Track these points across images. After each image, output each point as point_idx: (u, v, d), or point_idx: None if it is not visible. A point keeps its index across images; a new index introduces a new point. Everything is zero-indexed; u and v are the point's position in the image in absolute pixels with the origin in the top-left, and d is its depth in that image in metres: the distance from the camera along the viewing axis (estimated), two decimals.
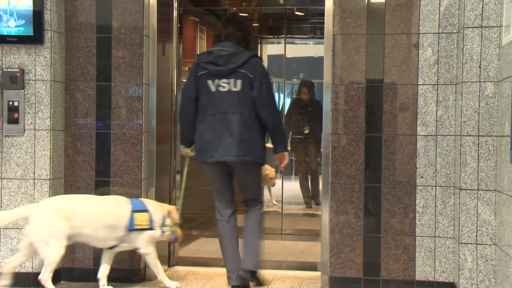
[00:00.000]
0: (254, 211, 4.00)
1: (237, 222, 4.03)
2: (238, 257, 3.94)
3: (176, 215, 4.02)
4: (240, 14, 7.10)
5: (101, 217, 3.78)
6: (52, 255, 3.66)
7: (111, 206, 3.84)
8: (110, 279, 4.16)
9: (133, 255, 4.18)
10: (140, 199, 4.02)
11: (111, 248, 3.89)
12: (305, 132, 6.91)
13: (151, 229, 3.89)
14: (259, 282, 4.14)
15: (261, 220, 4.03)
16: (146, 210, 3.89)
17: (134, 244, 3.88)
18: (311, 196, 7.23)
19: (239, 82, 3.78)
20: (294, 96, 7.36)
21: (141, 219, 3.85)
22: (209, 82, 3.82)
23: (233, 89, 3.79)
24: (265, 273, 4.49)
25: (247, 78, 3.78)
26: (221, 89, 3.80)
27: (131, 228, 3.82)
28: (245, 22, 4.09)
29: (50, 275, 3.69)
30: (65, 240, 3.69)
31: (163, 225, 3.93)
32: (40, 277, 3.69)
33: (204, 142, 3.83)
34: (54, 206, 3.72)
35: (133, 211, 3.84)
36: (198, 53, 6.35)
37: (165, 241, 4.10)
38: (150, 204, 3.97)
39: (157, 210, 3.94)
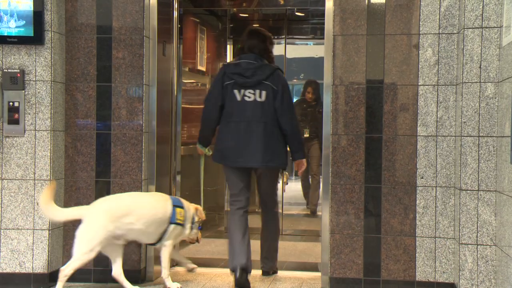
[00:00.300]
0: (272, 216, 4.40)
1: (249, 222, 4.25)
2: (246, 245, 4.08)
3: (202, 213, 4.20)
4: (241, 14, 7.12)
5: (151, 211, 3.91)
6: (82, 255, 3.72)
7: (157, 201, 3.99)
8: (110, 279, 4.17)
9: (133, 256, 4.18)
10: (175, 196, 4.16)
11: (153, 244, 4.02)
12: (307, 134, 6.88)
13: (183, 225, 4.05)
14: (275, 271, 4.53)
15: (277, 225, 4.49)
16: (182, 207, 4.06)
17: (162, 239, 4.00)
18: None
19: (264, 93, 4.08)
20: (299, 96, 7.33)
21: (180, 214, 4.02)
22: (235, 91, 4.10)
23: (258, 99, 4.08)
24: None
25: (272, 89, 4.09)
26: (246, 99, 4.09)
27: (173, 221, 3.97)
28: (267, 34, 4.35)
29: (71, 272, 3.72)
30: (100, 247, 3.76)
31: (192, 222, 4.12)
32: (61, 268, 3.74)
33: (228, 148, 4.11)
34: (107, 207, 3.81)
35: (174, 206, 4.00)
36: (198, 53, 6.36)
37: (188, 241, 4.25)
38: (184, 201, 4.12)
39: (190, 207, 4.12)
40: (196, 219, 4.14)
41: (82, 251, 3.72)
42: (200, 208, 4.22)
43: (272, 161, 4.10)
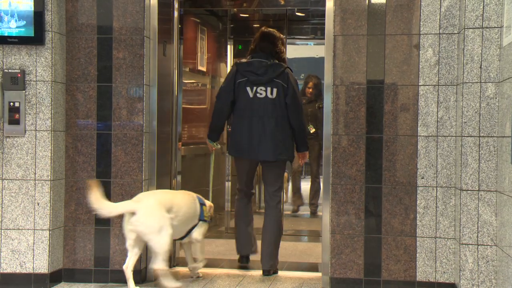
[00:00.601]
0: (274, 213, 4.53)
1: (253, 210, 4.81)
2: (249, 233, 4.65)
3: (213, 210, 4.48)
4: (241, 15, 7.12)
5: (187, 209, 4.13)
6: (164, 245, 3.83)
7: (189, 200, 4.21)
8: (110, 279, 4.18)
9: None
10: (197, 194, 4.35)
11: (179, 239, 4.24)
12: (313, 129, 6.86)
13: (207, 222, 4.32)
14: (275, 271, 4.54)
15: (280, 222, 4.59)
16: (205, 204, 4.31)
17: (192, 235, 4.23)
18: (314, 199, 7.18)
19: (275, 90, 4.41)
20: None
21: (205, 211, 4.27)
22: (248, 88, 4.43)
23: (269, 96, 4.41)
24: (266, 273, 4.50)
25: (282, 87, 4.41)
26: (258, 95, 4.41)
27: (202, 218, 4.24)
28: (277, 35, 4.63)
29: (164, 263, 3.84)
30: (172, 230, 3.89)
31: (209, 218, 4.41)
32: (155, 267, 3.85)
33: (242, 142, 4.45)
34: (158, 199, 3.93)
35: (201, 204, 4.26)
36: (199, 53, 6.37)
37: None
38: (204, 199, 4.38)
39: (207, 204, 4.37)
40: (208, 215, 4.37)
41: (162, 242, 3.82)
42: (212, 205, 4.44)
43: (282, 154, 4.44)
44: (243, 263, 4.69)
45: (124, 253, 4.16)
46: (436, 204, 3.93)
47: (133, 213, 3.81)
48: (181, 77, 4.98)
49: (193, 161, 5.91)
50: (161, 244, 3.81)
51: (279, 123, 4.40)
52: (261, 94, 4.40)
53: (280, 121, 4.40)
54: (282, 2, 6.52)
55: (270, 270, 4.46)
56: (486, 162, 3.67)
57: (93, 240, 4.21)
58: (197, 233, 4.22)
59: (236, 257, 4.83)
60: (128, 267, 3.86)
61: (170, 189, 4.66)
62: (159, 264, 3.82)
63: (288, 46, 7.02)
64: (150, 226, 3.80)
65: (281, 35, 4.68)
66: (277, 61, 4.47)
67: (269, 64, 4.42)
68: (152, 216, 3.82)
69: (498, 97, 3.64)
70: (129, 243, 3.84)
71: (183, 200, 4.13)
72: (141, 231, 3.80)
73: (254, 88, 4.41)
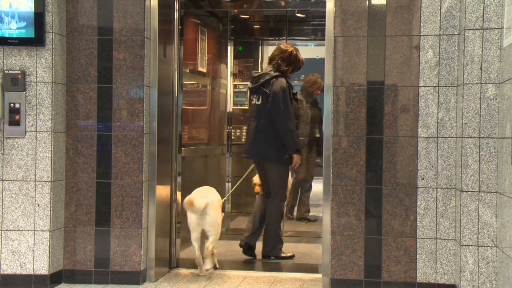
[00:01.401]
0: (270, 206, 5.09)
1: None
2: (256, 226, 5.12)
3: None
4: (241, 16, 7.12)
5: (220, 203, 4.70)
6: (218, 234, 4.54)
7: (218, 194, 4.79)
8: (110, 281, 4.18)
9: (134, 257, 4.18)
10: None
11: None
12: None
13: None
14: (288, 258, 5.14)
15: (273, 215, 5.07)
16: None
17: None
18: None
19: (260, 97, 4.99)
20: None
21: None
22: (250, 96, 5.20)
23: (257, 102, 5.02)
24: (267, 275, 4.50)
25: (265, 94, 4.94)
26: (252, 102, 5.11)
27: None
28: (281, 49, 5.09)
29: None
30: None
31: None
32: (207, 245, 4.44)
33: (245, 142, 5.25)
34: (218, 197, 4.61)
35: None
36: (199, 54, 6.38)
37: None
38: None
39: None
40: None
41: (217, 232, 4.50)
42: None
43: (258, 153, 5.01)
44: (244, 253, 5.11)
45: (124, 254, 4.16)
46: (437, 205, 3.93)
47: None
48: (182, 78, 4.98)
49: (194, 162, 5.91)
50: (216, 234, 4.47)
51: (261, 126, 4.95)
52: (253, 101, 5.08)
53: (262, 124, 4.95)
54: (283, 3, 6.51)
55: (266, 255, 5.08)
56: (487, 163, 3.67)
57: (93, 241, 4.22)
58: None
59: (237, 257, 4.92)
60: (200, 257, 4.41)
61: (171, 190, 4.66)
62: (211, 246, 4.43)
63: None
64: (214, 220, 4.44)
65: (288, 49, 5.07)
66: (272, 72, 4.97)
67: (260, 74, 5.04)
68: (218, 212, 4.50)
69: (499, 98, 3.64)
70: (195, 236, 4.43)
71: (219, 197, 4.72)
72: (207, 223, 4.39)
73: (252, 96, 5.08)
